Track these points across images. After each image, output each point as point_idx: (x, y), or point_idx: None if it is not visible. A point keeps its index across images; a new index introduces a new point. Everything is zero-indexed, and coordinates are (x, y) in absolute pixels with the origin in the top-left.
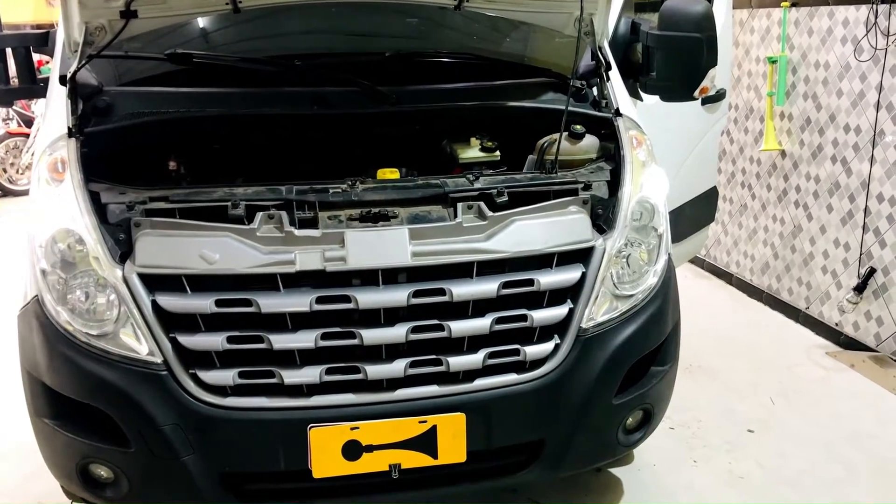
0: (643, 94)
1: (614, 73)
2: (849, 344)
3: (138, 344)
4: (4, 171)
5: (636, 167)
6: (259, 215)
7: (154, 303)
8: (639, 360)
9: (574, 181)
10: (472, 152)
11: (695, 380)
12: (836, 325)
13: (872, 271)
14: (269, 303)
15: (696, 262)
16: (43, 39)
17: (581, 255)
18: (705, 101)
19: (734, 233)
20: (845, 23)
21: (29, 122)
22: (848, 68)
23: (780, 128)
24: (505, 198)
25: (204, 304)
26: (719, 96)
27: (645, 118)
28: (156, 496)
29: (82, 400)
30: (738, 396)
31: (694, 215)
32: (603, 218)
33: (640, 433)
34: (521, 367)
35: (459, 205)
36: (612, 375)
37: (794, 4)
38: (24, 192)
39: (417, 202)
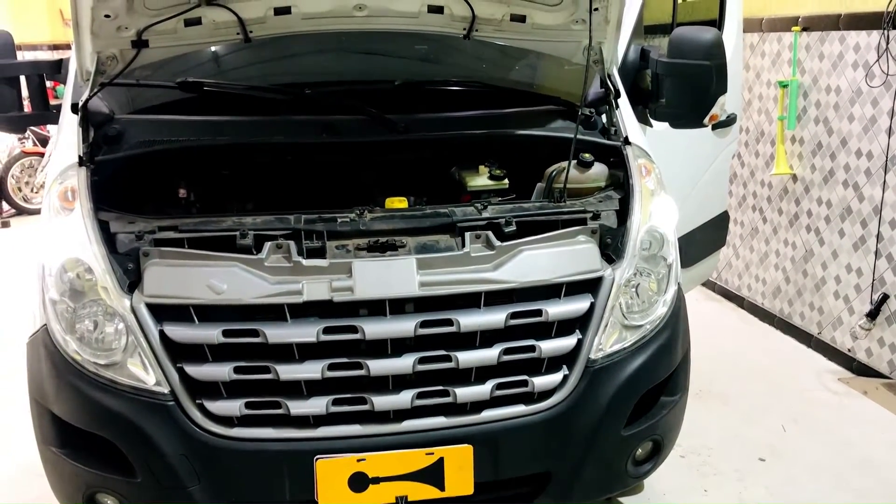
0: (653, 121)
1: (623, 101)
2: (861, 370)
3: (145, 374)
4: (19, 189)
5: (645, 196)
6: (267, 245)
7: (162, 333)
8: (648, 391)
9: (583, 210)
10: (481, 180)
11: (705, 405)
12: (849, 350)
13: (885, 297)
14: (276, 333)
15: (707, 284)
16: (56, 67)
17: (590, 286)
18: (716, 126)
19: (745, 256)
20: (856, 48)
21: (44, 140)
22: (859, 93)
23: (792, 152)
24: (513, 227)
25: (211, 334)
26: (730, 121)
27: (655, 142)
28: None
29: (89, 430)
30: (749, 422)
31: (705, 240)
32: (612, 247)
33: (649, 464)
34: (529, 398)
35: (467, 234)
36: (622, 407)
37: (804, 29)
38: (39, 211)
39: (425, 231)
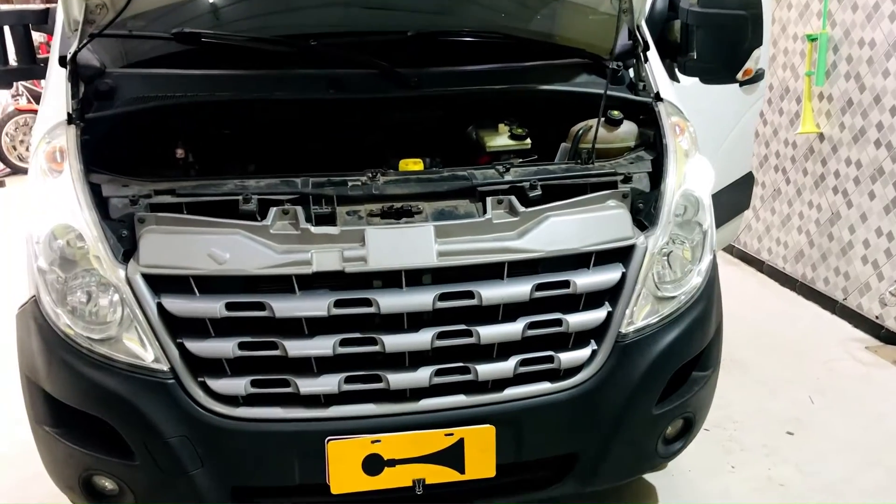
0: (680, 76)
1: (652, 54)
2: (890, 338)
3: (143, 350)
4: (14, 148)
5: (679, 157)
6: (273, 211)
7: (160, 306)
8: (681, 366)
9: (613, 173)
10: (501, 140)
11: (727, 374)
12: (877, 318)
13: None
14: (284, 306)
15: (726, 248)
16: (42, 16)
17: (621, 254)
18: (743, 83)
19: (766, 218)
20: None
21: (39, 97)
22: None
23: (819, 109)
24: (538, 191)
25: (213, 307)
26: (758, 76)
27: (678, 99)
28: None
29: (83, 409)
30: (774, 394)
31: (729, 202)
32: (644, 213)
33: (679, 443)
34: (554, 375)
35: (489, 199)
36: (653, 384)
37: None
38: None
39: (443, 196)
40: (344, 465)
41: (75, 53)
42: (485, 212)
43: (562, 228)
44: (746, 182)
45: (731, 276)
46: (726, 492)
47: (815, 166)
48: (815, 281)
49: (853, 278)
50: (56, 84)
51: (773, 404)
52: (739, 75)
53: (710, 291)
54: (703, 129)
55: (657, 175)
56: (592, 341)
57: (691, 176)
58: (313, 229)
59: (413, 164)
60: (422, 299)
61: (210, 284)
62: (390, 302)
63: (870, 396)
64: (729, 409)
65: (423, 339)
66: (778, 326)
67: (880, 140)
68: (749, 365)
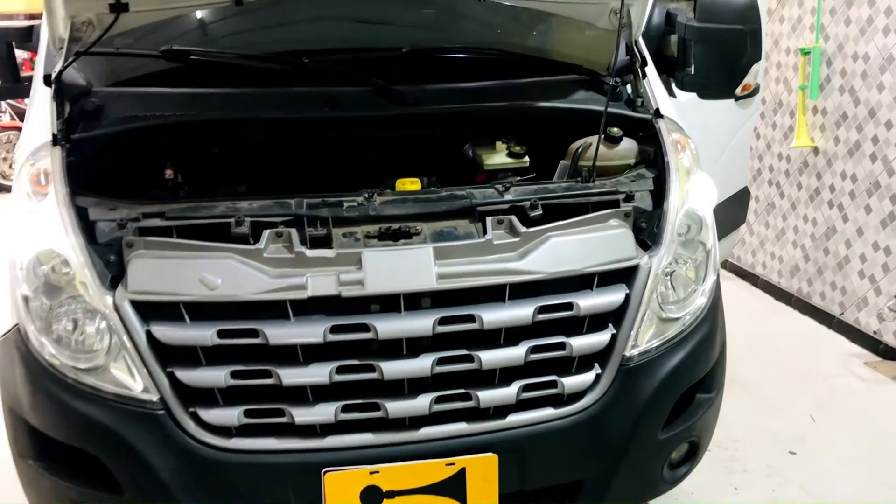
0: (676, 91)
1: (650, 70)
2: (888, 353)
3: (131, 380)
4: None
5: (681, 174)
6: (266, 233)
7: (149, 333)
8: (686, 389)
9: (614, 191)
10: (499, 158)
11: (727, 392)
12: (875, 333)
13: None
14: (278, 333)
15: (721, 263)
16: (26, 34)
17: (624, 275)
18: (738, 97)
19: (760, 233)
20: (888, 11)
21: (22, 114)
22: (891, 60)
23: (813, 123)
24: (539, 211)
25: (205, 335)
26: (753, 91)
27: (676, 115)
28: None
29: (69, 442)
30: (774, 412)
31: (725, 218)
32: (647, 232)
33: (685, 467)
34: (558, 400)
35: (489, 219)
36: (659, 408)
37: None
38: None
39: (442, 217)
40: (341, 497)
41: (60, 72)
42: (485, 232)
43: (564, 249)
44: (742, 197)
45: (725, 291)
46: None
47: (809, 180)
48: (812, 296)
49: (850, 293)
50: (40, 103)
51: (774, 423)
52: (738, 90)
53: (714, 312)
54: (700, 144)
55: (659, 193)
56: (596, 365)
57: (694, 194)
58: (308, 252)
59: (410, 184)
60: (421, 324)
61: (201, 311)
62: (388, 327)
63: (871, 413)
64: (730, 428)
65: (422, 365)
66: (775, 342)
67: (876, 154)
68: (748, 382)
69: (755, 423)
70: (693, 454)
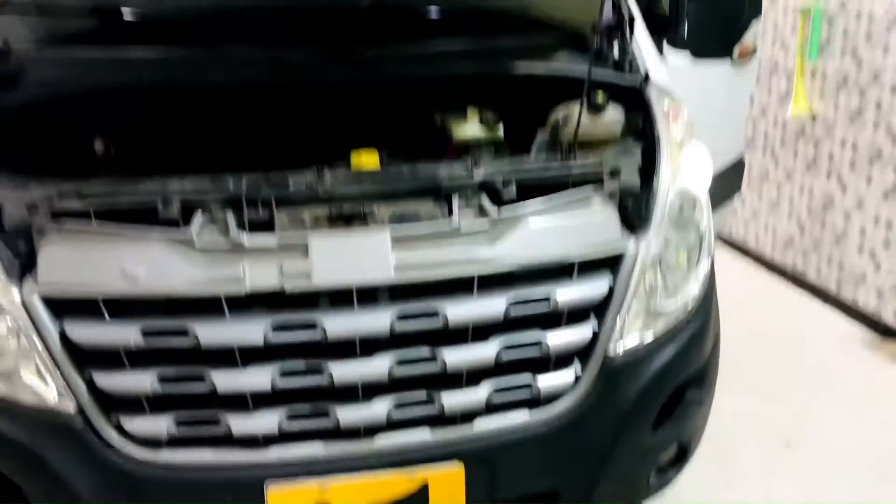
0: (668, 53)
1: (639, 28)
2: (888, 332)
3: (44, 386)
4: None
5: (673, 147)
6: (198, 216)
7: (63, 334)
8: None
9: (598, 166)
10: (471, 129)
11: (718, 378)
12: (874, 311)
13: None
14: (211, 333)
15: None
16: None
17: (608, 263)
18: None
19: (753, 204)
20: None
21: None
22: None
23: (812, 88)
24: (512, 189)
25: (127, 334)
26: (751, 52)
27: (669, 80)
28: None
29: None
30: (768, 400)
31: (718, 189)
32: (634, 213)
33: (673, 471)
34: (533, 402)
35: (455, 199)
36: (646, 411)
37: None
38: None
39: (402, 197)
40: None
41: None
42: (451, 215)
43: (540, 234)
44: (738, 167)
45: (715, 264)
46: None
47: (806, 148)
48: (807, 271)
49: (847, 269)
50: None
51: (768, 412)
52: (736, 53)
53: (707, 302)
54: (694, 111)
55: (648, 169)
56: (576, 363)
57: (687, 169)
58: (247, 239)
59: (366, 157)
60: (377, 321)
61: (123, 308)
62: (339, 325)
63: (870, 400)
64: (721, 417)
65: (378, 367)
66: (768, 321)
67: (879, 121)
68: (739, 367)
69: (748, 413)
70: (682, 457)
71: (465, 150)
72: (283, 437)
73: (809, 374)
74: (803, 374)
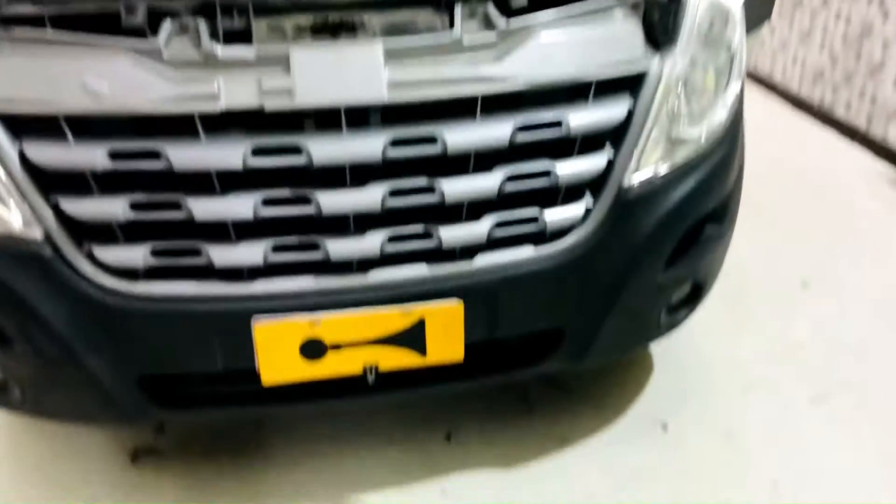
0: None
1: None
2: None
3: (7, 212)
4: None
5: None
6: (166, 25)
7: (22, 155)
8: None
9: None
10: None
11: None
12: None
13: None
14: (185, 156)
15: None
16: None
17: (629, 84)
18: None
19: (783, 33)
20: None
21: None
22: None
23: None
24: None
25: (93, 156)
26: None
27: None
28: (59, 407)
29: None
30: (787, 238)
31: (748, 16)
32: (660, 28)
33: (685, 311)
34: (539, 237)
35: (458, 7)
36: (661, 247)
37: None
38: None
39: (397, 5)
40: (277, 353)
41: None
42: (452, 25)
43: (554, 49)
44: None
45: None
46: (733, 354)
47: None
48: (835, 106)
49: (880, 103)
50: None
51: (786, 251)
52: None
53: (734, 130)
54: None
55: None
56: (588, 195)
57: None
58: (220, 50)
59: None
60: (368, 146)
61: (88, 127)
62: (326, 150)
63: (894, 244)
64: (735, 255)
65: (370, 197)
66: (791, 158)
67: None
68: (760, 204)
69: (764, 251)
70: (696, 295)
71: None
72: (270, 270)
73: (832, 214)
74: (825, 213)
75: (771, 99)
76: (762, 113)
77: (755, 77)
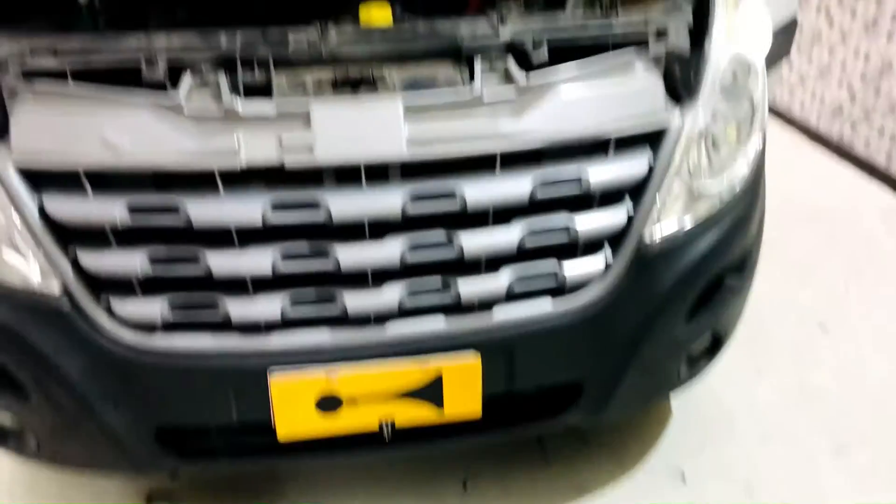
0: None
1: None
2: None
3: (26, 265)
4: None
5: (728, 5)
6: (186, 78)
7: (42, 208)
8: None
9: (643, 25)
10: None
11: None
12: None
13: None
14: (204, 211)
15: None
16: None
17: (649, 138)
18: None
19: (801, 68)
20: None
21: None
22: None
23: None
24: (544, 52)
25: (112, 210)
26: None
27: None
28: (75, 458)
29: None
30: (804, 278)
31: (769, 52)
32: (682, 81)
33: (705, 361)
34: (557, 291)
35: (478, 62)
36: (680, 301)
37: None
38: None
39: (417, 59)
40: (293, 408)
41: None
42: (472, 81)
43: (573, 105)
44: (789, 28)
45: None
46: (752, 402)
47: (867, 6)
48: (854, 142)
49: None
50: None
51: (803, 292)
52: None
53: (756, 184)
54: None
55: (699, 29)
56: (607, 248)
57: (743, 31)
58: (241, 105)
59: (377, 11)
60: (387, 202)
61: (107, 181)
62: (345, 205)
63: None
64: (753, 295)
65: (389, 252)
66: (808, 195)
67: None
68: (776, 243)
69: (782, 292)
70: (716, 347)
71: (491, 3)
72: (287, 324)
73: (851, 253)
74: (844, 252)
75: (789, 134)
76: (780, 148)
77: (773, 110)
